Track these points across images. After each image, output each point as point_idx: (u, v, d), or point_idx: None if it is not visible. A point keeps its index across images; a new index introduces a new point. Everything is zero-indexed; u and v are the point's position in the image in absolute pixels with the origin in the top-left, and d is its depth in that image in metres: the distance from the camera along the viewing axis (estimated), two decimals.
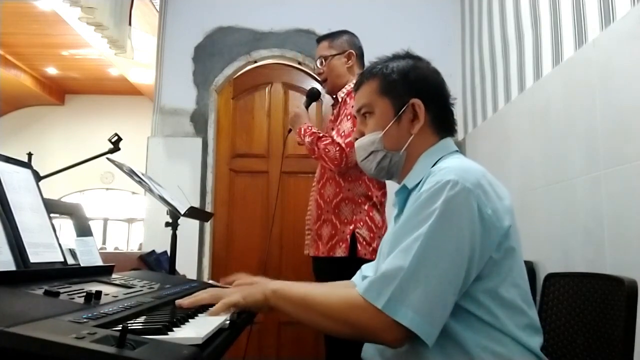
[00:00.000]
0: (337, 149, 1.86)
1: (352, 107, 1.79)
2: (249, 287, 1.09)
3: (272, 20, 3.49)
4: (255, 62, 3.54)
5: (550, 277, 1.29)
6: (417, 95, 1.07)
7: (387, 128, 1.08)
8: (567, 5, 1.99)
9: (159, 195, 1.87)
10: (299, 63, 3.53)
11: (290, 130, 2.11)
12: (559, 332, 1.21)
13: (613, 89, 1.66)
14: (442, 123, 1.11)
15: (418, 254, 0.87)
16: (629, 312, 1.00)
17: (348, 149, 1.84)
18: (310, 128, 1.99)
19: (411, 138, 1.07)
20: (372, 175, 1.16)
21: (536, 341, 0.95)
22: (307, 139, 1.96)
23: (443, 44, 3.47)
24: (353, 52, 2.06)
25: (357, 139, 1.15)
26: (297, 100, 3.44)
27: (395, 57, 1.14)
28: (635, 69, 1.54)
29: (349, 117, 1.91)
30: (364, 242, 1.85)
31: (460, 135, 3.37)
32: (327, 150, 1.88)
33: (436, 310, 0.86)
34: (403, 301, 0.85)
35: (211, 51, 3.47)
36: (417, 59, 1.14)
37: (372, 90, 1.11)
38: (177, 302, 0.97)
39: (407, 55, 1.14)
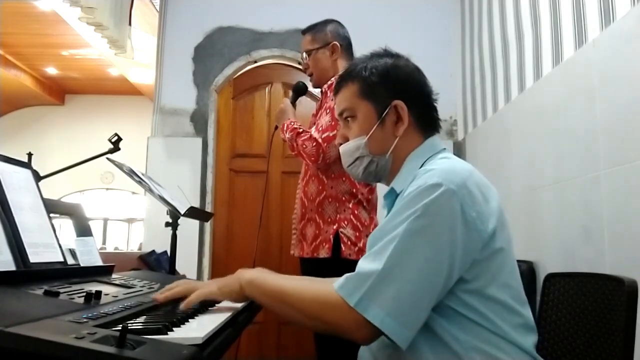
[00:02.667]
0: (314, 144, 1.77)
1: (332, 99, 1.74)
2: (225, 277, 1.07)
3: (272, 20, 3.49)
4: (255, 62, 3.54)
5: (551, 277, 1.29)
6: (398, 97, 1.05)
7: (371, 132, 1.06)
8: (567, 5, 1.98)
9: (159, 195, 1.87)
10: (299, 63, 3.53)
11: (276, 127, 2.02)
12: (559, 332, 1.21)
13: (613, 89, 1.66)
14: (427, 122, 1.08)
15: (392, 255, 0.86)
16: (629, 312, 1.00)
17: (325, 144, 1.76)
18: (292, 124, 1.90)
19: (396, 141, 1.05)
20: (360, 180, 1.14)
21: (530, 340, 0.95)
22: (288, 135, 1.88)
23: (443, 44, 3.47)
24: (337, 43, 1.96)
25: (341, 144, 1.12)
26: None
27: (374, 56, 1.11)
28: (635, 69, 1.54)
29: (328, 110, 1.82)
30: (349, 242, 1.76)
31: (460, 135, 3.37)
32: (304, 146, 1.80)
33: (409, 312, 0.85)
34: (375, 300, 0.85)
35: (211, 51, 3.47)
36: (396, 56, 1.11)
37: (353, 94, 1.08)
38: (153, 296, 0.98)
39: (386, 54, 1.12)
